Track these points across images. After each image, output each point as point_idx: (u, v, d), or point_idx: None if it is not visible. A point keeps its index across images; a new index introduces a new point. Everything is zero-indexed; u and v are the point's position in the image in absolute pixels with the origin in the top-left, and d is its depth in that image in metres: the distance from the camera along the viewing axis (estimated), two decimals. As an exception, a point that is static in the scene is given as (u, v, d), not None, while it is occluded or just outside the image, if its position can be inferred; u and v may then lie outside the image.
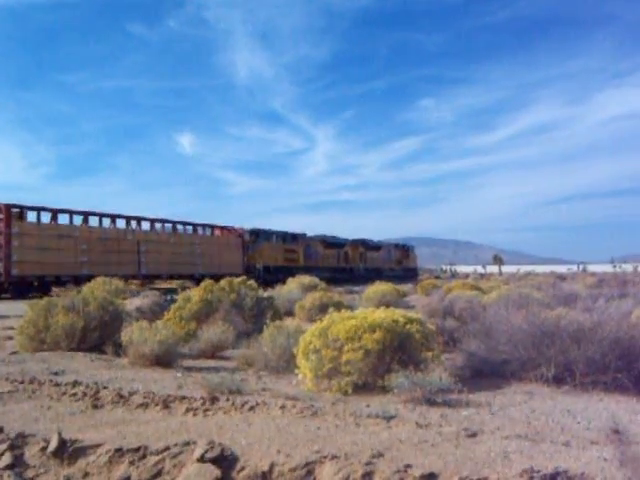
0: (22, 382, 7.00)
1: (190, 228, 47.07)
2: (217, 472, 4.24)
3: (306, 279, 27.96)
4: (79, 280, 36.42)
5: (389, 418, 5.34)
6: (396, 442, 4.54)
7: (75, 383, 6.74)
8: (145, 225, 42.37)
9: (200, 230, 47.95)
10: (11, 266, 31.56)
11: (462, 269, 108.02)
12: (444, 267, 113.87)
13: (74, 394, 6.33)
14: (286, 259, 53.74)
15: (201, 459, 4.34)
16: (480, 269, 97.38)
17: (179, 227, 45.62)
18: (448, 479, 3.85)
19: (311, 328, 7.81)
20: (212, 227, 49.72)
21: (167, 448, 4.62)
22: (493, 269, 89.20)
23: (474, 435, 4.72)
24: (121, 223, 40.44)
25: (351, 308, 12.74)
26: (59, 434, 4.94)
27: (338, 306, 14.56)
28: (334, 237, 63.84)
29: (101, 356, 9.97)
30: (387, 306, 8.86)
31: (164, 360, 9.11)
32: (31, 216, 34.44)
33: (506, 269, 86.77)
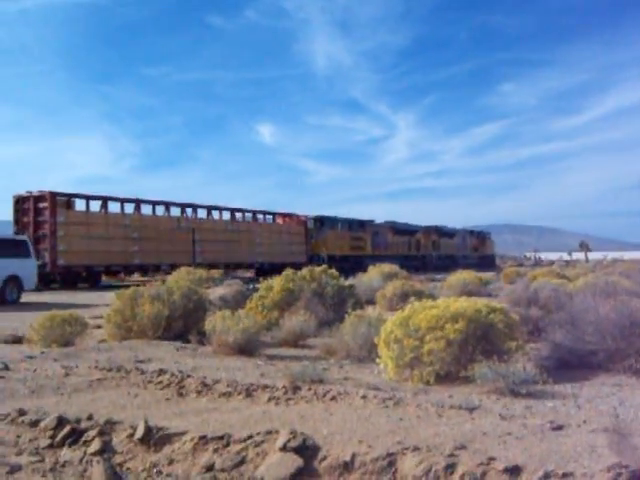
0: (110, 370, 7.19)
1: (250, 216, 46.16)
2: (299, 461, 4.26)
3: (387, 267, 27.79)
4: (130, 270, 37.25)
5: (472, 409, 5.27)
6: (479, 434, 4.47)
7: (160, 371, 6.88)
8: (202, 213, 41.63)
9: (260, 218, 47.01)
10: (57, 256, 31.24)
11: (547, 256, 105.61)
12: (528, 254, 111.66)
13: (160, 382, 6.48)
14: (352, 247, 52.33)
15: (283, 448, 4.37)
16: (565, 256, 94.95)
17: (238, 215, 44.80)
18: (533, 473, 3.77)
19: (392, 317, 7.76)
20: (273, 214, 48.75)
21: (250, 437, 4.67)
22: (579, 256, 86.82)
23: (560, 428, 4.61)
24: (176, 211, 39.73)
25: (432, 297, 12.62)
26: (145, 421, 5.06)
27: (419, 295, 14.48)
28: (405, 224, 62.21)
29: (185, 345, 10.17)
30: (469, 295, 8.75)
31: (247, 349, 9.23)
32: (80, 204, 34.08)
33: (593, 256, 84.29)
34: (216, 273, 27.90)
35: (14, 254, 22.37)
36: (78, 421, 5.39)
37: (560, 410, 5.44)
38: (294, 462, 4.26)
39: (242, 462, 4.45)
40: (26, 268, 22.74)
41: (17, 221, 32.53)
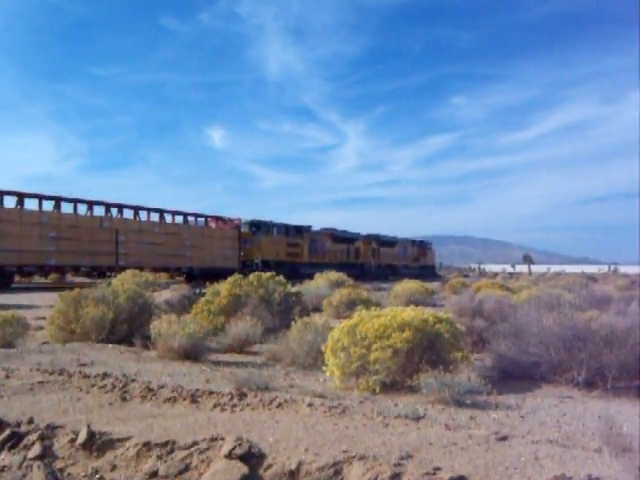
0: (52, 373, 7.05)
1: (180, 218, 43.89)
2: (245, 469, 4.23)
3: (334, 275, 27.81)
4: (46, 271, 35.08)
5: (418, 419, 5.30)
6: (425, 443, 4.49)
7: (104, 375, 6.77)
8: (128, 213, 39.52)
9: (191, 220, 45.06)
10: None
11: (491, 268, 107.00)
12: (472, 266, 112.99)
13: (103, 386, 6.37)
14: (289, 254, 50.88)
15: (229, 455, 4.33)
16: (509, 268, 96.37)
17: (167, 216, 42.57)
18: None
19: (339, 325, 7.77)
20: (206, 217, 46.90)
21: (195, 443, 4.62)
22: (522, 268, 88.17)
23: (504, 439, 4.66)
24: (100, 211, 37.47)
25: (379, 305, 12.67)
26: (88, 426, 4.97)
27: (366, 303, 14.52)
28: (344, 231, 61.15)
29: (130, 348, 10.03)
30: (415, 304, 8.80)
31: (192, 354, 9.14)
32: None
33: (536, 269, 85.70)
34: (163, 277, 27.23)
35: None
36: (18, 424, 5.27)
37: (504, 421, 5.51)
38: (239, 470, 4.22)
39: (186, 469, 4.41)
40: None
41: None
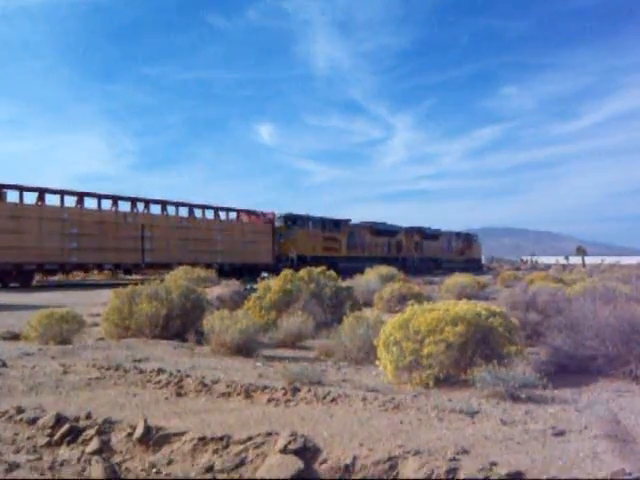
0: (108, 369, 7.16)
1: (211, 212, 42.64)
2: (299, 463, 4.24)
3: (384, 269, 27.72)
4: (67, 269, 33.93)
5: (473, 413, 5.25)
6: (481, 438, 4.45)
7: (159, 371, 6.85)
8: (156, 209, 38.41)
9: (222, 215, 43.65)
10: None
11: (543, 260, 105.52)
12: (524, 258, 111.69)
13: (158, 382, 6.45)
14: (325, 248, 49.84)
15: (284, 450, 4.35)
16: (562, 260, 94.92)
17: (197, 211, 41.36)
18: (536, 479, 3.75)
19: (392, 320, 7.74)
20: (237, 211, 45.61)
21: (250, 438, 4.65)
22: (576, 260, 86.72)
23: (561, 434, 4.59)
24: (125, 206, 36.47)
25: (430, 299, 12.59)
26: (145, 421, 5.03)
27: (417, 297, 14.47)
28: (384, 224, 59.99)
29: (183, 344, 10.14)
30: (467, 298, 8.73)
31: (245, 349, 9.20)
32: (12, 196, 30.95)
33: (589, 260, 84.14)
34: (211, 272, 26.96)
35: None
36: (76, 419, 5.36)
37: (561, 416, 5.42)
38: (294, 464, 4.23)
39: (242, 463, 4.43)
40: None
41: None
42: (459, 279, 24.01)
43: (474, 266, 69.17)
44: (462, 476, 3.90)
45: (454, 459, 4.05)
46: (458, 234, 74.63)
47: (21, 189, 31.33)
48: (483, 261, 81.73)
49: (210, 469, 4.43)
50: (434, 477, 3.95)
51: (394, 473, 4.08)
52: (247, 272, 38.51)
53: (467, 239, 75.77)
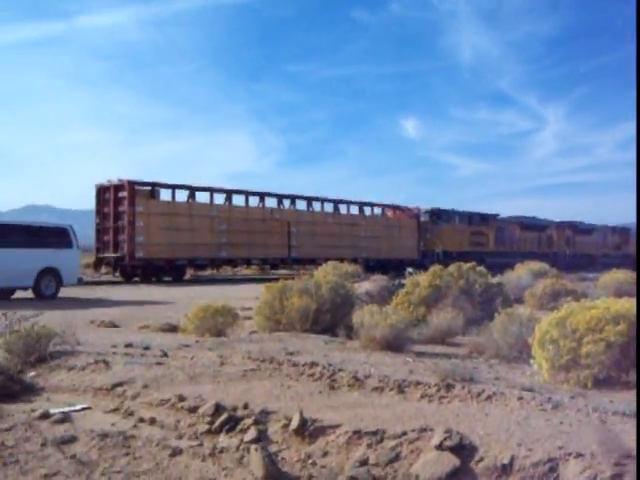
0: (263, 361, 7.33)
1: (356, 208, 43.00)
2: (456, 461, 4.18)
3: (536, 265, 26.91)
4: (216, 264, 34.87)
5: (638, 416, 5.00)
6: (647, 443, 4.23)
7: (312, 364, 6.94)
8: (302, 205, 39.15)
9: (367, 210, 43.82)
10: (135, 248, 29.93)
11: None
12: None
13: (312, 375, 6.54)
14: (472, 243, 48.68)
15: (439, 446, 4.30)
16: None
17: (342, 207, 41.84)
18: None
19: (548, 317, 7.51)
20: (383, 207, 45.73)
21: (404, 433, 4.63)
22: None
23: None
24: (272, 202, 37.36)
25: (585, 296, 12.11)
26: (300, 413, 5.13)
27: (571, 294, 13.97)
28: (534, 218, 58.22)
29: (333, 338, 10.26)
30: (629, 296, 8.33)
31: (394, 344, 9.19)
32: (165, 194, 32.42)
33: None
34: (358, 268, 27.13)
35: (52, 244, 20.45)
36: (234, 409, 5.55)
37: None
38: (450, 461, 4.18)
39: (397, 458, 4.42)
40: (66, 260, 20.71)
41: (98, 212, 31.83)
42: (616, 275, 22.93)
43: (631, 262, 65.42)
44: (628, 482, 3.72)
45: (619, 464, 3.86)
46: (614, 228, 71.03)
47: (173, 187, 32.81)
48: (642, 257, 77.34)
49: (365, 462, 4.45)
50: (598, 482, 3.79)
51: (554, 475, 3.95)
52: (392, 267, 38.50)
53: (624, 233, 71.84)
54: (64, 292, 21.07)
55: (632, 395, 6.16)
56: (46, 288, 20.19)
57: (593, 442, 4.22)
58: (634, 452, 4.01)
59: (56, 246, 20.47)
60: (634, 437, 4.36)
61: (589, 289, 19.95)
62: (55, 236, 20.91)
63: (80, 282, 22.12)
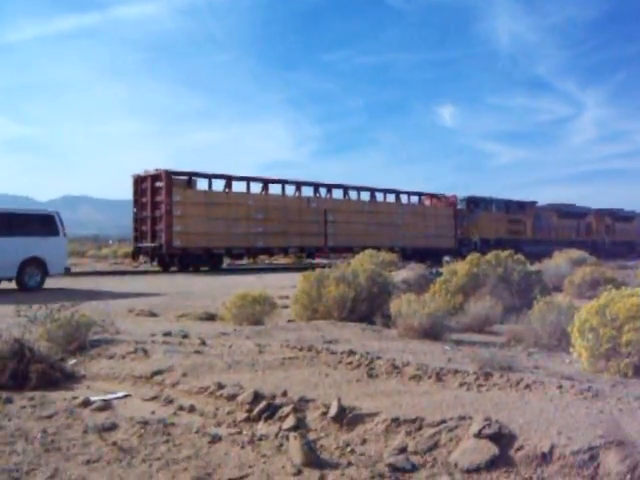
0: (301, 349, 7.37)
1: (393, 196, 43.17)
2: (495, 449, 4.17)
3: (575, 253, 26.64)
4: (253, 253, 35.13)
5: (679, 405, 4.94)
6: (689, 432, 4.18)
7: (350, 352, 6.96)
8: (338, 193, 39.19)
9: (404, 198, 43.87)
10: (172, 237, 30.10)
11: None
12: None
13: (349, 363, 6.57)
14: (510, 231, 48.52)
15: (478, 435, 4.30)
16: None
17: (378, 195, 41.97)
18: None
19: (587, 305, 7.43)
20: (419, 195, 45.69)
21: (443, 421, 4.63)
22: None
23: None
24: (308, 191, 37.56)
25: (625, 285, 11.97)
26: (339, 400, 5.16)
27: (611, 282, 13.81)
28: (572, 205, 57.55)
29: (370, 326, 10.27)
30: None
31: (432, 333, 9.18)
32: (202, 184, 32.72)
33: None
34: (395, 256, 26.99)
35: (37, 232, 19.71)
36: (273, 397, 5.60)
37: None
38: (489, 450, 4.18)
39: (435, 446, 4.43)
40: (52, 248, 19.91)
41: (136, 201, 32.20)
42: (656, 264, 22.62)
43: None
44: (670, 471, 3.69)
45: (661, 452, 3.83)
46: None
47: (210, 177, 33.07)
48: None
49: (403, 450, 4.46)
50: (639, 471, 3.76)
51: (595, 464, 3.92)
52: (429, 256, 38.43)
53: None
54: (64, 282, 21.19)
55: (673, 384, 6.09)
56: (30, 279, 19.56)
57: (634, 431, 4.18)
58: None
59: (41, 234, 19.83)
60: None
61: (629, 277, 19.71)
62: (40, 223, 20.27)
63: (67, 272, 21.38)
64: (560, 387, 5.36)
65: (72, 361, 7.68)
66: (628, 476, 3.76)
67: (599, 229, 59.29)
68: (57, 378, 6.85)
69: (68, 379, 6.98)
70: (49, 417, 5.54)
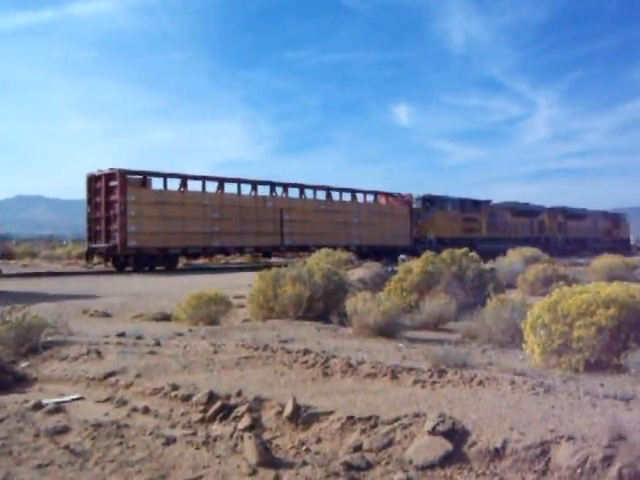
0: (257, 349, 7.36)
1: (349, 195, 43.38)
2: (448, 445, 4.21)
3: (528, 251, 27.01)
4: (210, 252, 35.33)
5: (628, 399, 5.04)
6: (638, 425, 4.26)
7: (305, 351, 6.97)
8: (294, 192, 39.35)
9: (360, 197, 44.20)
10: (127, 237, 29.88)
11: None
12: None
13: (305, 362, 6.57)
14: (465, 229, 49.14)
15: (432, 431, 4.33)
16: None
17: (334, 194, 42.11)
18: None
19: (539, 302, 7.54)
20: (375, 194, 45.94)
21: (397, 419, 4.66)
22: None
23: None
24: (264, 190, 37.47)
25: (577, 281, 12.16)
26: (294, 400, 5.15)
27: (563, 279, 14.03)
28: (526, 204, 58.59)
29: (326, 325, 10.29)
30: (617, 280, 8.37)
31: (387, 331, 9.23)
32: (157, 183, 32.47)
33: None
34: (350, 255, 27.12)
35: None
36: (228, 397, 5.57)
37: None
38: (443, 446, 4.22)
39: (390, 444, 4.45)
40: None
41: (90, 201, 31.69)
42: (607, 260, 23.02)
43: (622, 247, 65.60)
44: (618, 464, 3.75)
45: (610, 446, 3.90)
46: (605, 214, 71.53)
47: (165, 176, 32.84)
48: (632, 242, 77.84)
49: (358, 448, 4.48)
50: (588, 464, 3.82)
51: (546, 458, 3.98)
52: (385, 254, 38.66)
53: (615, 219, 72.43)
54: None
55: (622, 378, 6.22)
56: None
57: (584, 425, 4.26)
58: (627, 434, 4.04)
59: None
60: (627, 419, 4.40)
61: (580, 274, 20.03)
62: None
63: None
64: (513, 383, 5.44)
65: (24, 363, 7.55)
66: (578, 470, 3.82)
67: (552, 227, 60.43)
68: (8, 381, 6.73)
69: (20, 382, 6.87)
70: (0, 421, 5.44)
